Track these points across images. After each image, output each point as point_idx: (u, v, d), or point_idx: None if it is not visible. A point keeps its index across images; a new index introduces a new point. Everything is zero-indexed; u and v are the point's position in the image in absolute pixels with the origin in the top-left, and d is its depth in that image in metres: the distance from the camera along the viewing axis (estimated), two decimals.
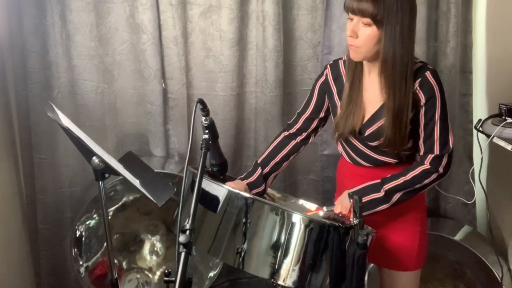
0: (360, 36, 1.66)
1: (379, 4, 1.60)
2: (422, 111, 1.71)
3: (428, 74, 1.68)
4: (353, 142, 1.83)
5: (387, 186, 1.73)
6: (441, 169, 1.73)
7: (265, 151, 1.97)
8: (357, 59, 1.72)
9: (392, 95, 1.68)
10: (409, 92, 1.68)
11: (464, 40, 2.64)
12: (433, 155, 1.72)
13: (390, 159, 1.80)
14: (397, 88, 1.67)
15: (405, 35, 1.63)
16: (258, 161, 1.94)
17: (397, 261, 1.86)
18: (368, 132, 1.77)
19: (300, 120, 1.95)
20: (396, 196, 1.73)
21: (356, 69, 1.77)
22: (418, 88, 1.69)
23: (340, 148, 1.92)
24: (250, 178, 1.89)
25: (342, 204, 1.76)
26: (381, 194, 1.73)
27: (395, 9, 1.61)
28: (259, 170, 1.90)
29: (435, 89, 1.68)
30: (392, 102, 1.68)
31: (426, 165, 1.72)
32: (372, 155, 1.81)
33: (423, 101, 1.69)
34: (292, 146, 1.95)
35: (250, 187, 1.87)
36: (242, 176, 1.91)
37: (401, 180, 1.73)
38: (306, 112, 1.94)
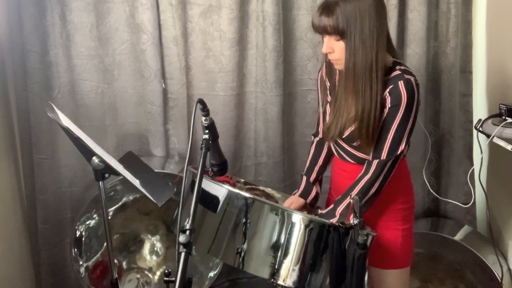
0: (336, 50, 1.69)
1: (338, 17, 1.63)
2: (385, 115, 1.71)
3: (401, 83, 1.67)
4: (339, 141, 1.86)
5: (340, 208, 1.74)
6: (381, 176, 1.73)
7: (307, 162, 2.03)
8: (343, 69, 1.74)
9: (355, 102, 1.70)
10: (375, 97, 1.68)
11: (464, 40, 2.64)
12: (378, 160, 1.73)
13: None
14: (361, 95, 1.68)
15: (366, 42, 1.64)
16: (303, 173, 2.02)
17: (381, 259, 1.87)
18: (345, 134, 1.80)
19: (320, 122, 1.97)
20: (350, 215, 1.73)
21: (341, 73, 1.78)
22: (387, 94, 1.69)
23: (331, 146, 1.95)
24: (300, 190, 1.98)
25: None
26: (337, 217, 1.74)
27: (353, 18, 1.62)
28: (304, 179, 1.99)
29: (402, 98, 1.67)
30: (355, 108, 1.70)
31: (369, 175, 1.74)
32: (355, 153, 1.83)
33: (388, 106, 1.70)
34: (328, 147, 1.99)
35: (303, 197, 1.97)
36: (295, 191, 2.01)
37: (349, 199, 1.73)
38: (320, 113, 1.95)
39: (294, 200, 1.97)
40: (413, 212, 1.96)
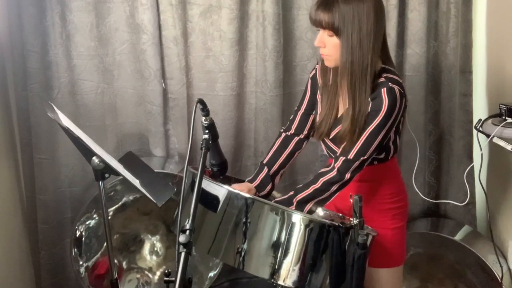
0: (327, 45, 1.69)
1: (334, 14, 1.62)
2: None
3: (383, 91, 1.66)
4: (327, 142, 1.85)
5: (299, 197, 1.72)
6: (347, 175, 1.71)
7: (269, 152, 1.97)
8: (331, 66, 1.75)
9: (352, 102, 1.69)
10: (368, 100, 1.68)
11: (464, 40, 2.63)
12: (344, 158, 1.71)
13: None
14: (357, 95, 1.68)
15: (363, 42, 1.64)
16: (264, 162, 1.95)
17: (371, 258, 1.83)
18: (332, 134, 1.79)
19: (297, 117, 1.96)
20: (307, 208, 1.72)
21: (334, 71, 1.78)
22: (370, 99, 1.68)
23: (324, 148, 1.94)
24: (257, 180, 1.91)
25: None
26: (293, 207, 1.72)
27: (351, 17, 1.62)
28: (265, 171, 1.92)
29: (383, 105, 1.65)
30: (352, 109, 1.69)
31: (334, 172, 1.71)
32: None
33: (368, 110, 1.69)
34: (295, 144, 1.96)
35: (258, 189, 1.89)
36: (250, 178, 1.93)
37: (311, 189, 1.72)
38: (301, 108, 1.95)
39: (246, 188, 1.86)
40: (405, 211, 1.94)
